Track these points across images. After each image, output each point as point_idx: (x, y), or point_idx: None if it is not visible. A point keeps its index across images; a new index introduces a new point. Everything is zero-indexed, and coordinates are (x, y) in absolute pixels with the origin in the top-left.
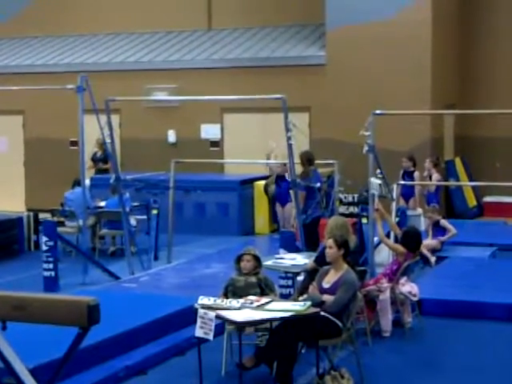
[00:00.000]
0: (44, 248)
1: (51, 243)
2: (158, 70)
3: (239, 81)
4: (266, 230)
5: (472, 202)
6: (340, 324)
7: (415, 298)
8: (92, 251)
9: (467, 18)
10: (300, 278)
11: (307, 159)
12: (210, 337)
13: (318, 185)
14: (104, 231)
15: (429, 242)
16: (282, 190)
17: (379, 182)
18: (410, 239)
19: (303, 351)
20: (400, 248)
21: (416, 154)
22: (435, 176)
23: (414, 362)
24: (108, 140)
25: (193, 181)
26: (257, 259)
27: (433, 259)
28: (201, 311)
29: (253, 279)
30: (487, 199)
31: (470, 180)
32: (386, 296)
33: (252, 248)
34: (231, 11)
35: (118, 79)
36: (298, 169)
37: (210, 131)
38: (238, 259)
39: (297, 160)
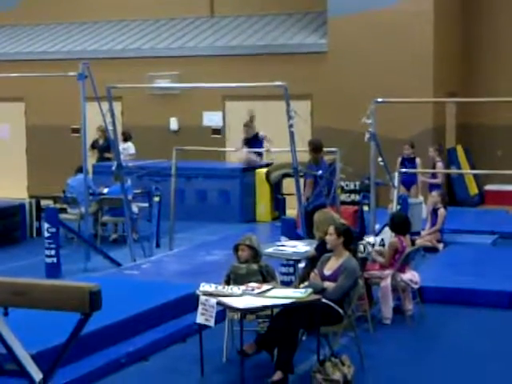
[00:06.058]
0: (46, 235)
1: (53, 230)
2: (159, 57)
3: (241, 68)
4: (267, 217)
5: (473, 190)
6: (341, 311)
7: (416, 286)
8: (94, 238)
9: (469, 6)
10: (301, 265)
11: (316, 147)
12: (211, 323)
13: (320, 172)
14: (106, 218)
15: (428, 237)
16: None
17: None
18: (397, 223)
19: (304, 338)
20: (392, 243)
21: (418, 142)
22: (439, 165)
23: (414, 349)
24: (110, 127)
25: (195, 168)
26: (252, 249)
27: (440, 246)
28: (202, 298)
29: (254, 267)
30: (489, 187)
31: (472, 168)
32: (387, 283)
33: (249, 237)
34: None
35: (120, 66)
36: (300, 156)
37: (211, 119)
38: (236, 248)
39: (298, 147)
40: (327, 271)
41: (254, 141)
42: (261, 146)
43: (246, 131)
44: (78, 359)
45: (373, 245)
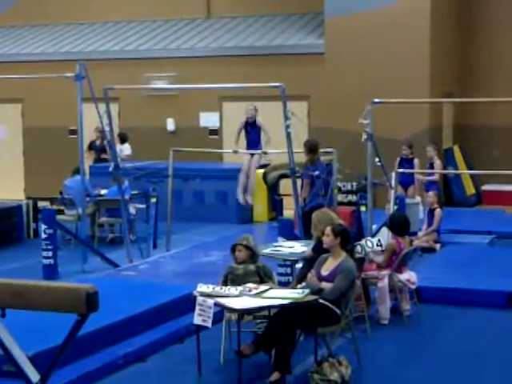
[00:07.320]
0: (43, 236)
1: (50, 231)
2: (156, 59)
3: (238, 69)
4: (264, 217)
5: (470, 190)
6: (338, 311)
7: (413, 286)
8: (91, 239)
9: (466, 6)
10: (299, 265)
11: (312, 147)
12: (209, 324)
13: (317, 173)
14: (103, 219)
15: (425, 237)
16: None
17: (371, 241)
18: (396, 223)
19: (301, 339)
20: (390, 244)
21: (415, 143)
22: (438, 163)
23: (411, 350)
24: (107, 128)
25: (192, 169)
26: (249, 249)
27: (437, 246)
28: (199, 299)
29: (251, 267)
30: (486, 187)
31: (469, 168)
32: (384, 283)
33: (246, 237)
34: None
35: (117, 67)
36: (297, 157)
37: (208, 119)
38: (233, 249)
39: (295, 149)
40: (324, 272)
41: (251, 125)
42: (257, 133)
43: (251, 111)
44: (75, 360)
45: (372, 246)
